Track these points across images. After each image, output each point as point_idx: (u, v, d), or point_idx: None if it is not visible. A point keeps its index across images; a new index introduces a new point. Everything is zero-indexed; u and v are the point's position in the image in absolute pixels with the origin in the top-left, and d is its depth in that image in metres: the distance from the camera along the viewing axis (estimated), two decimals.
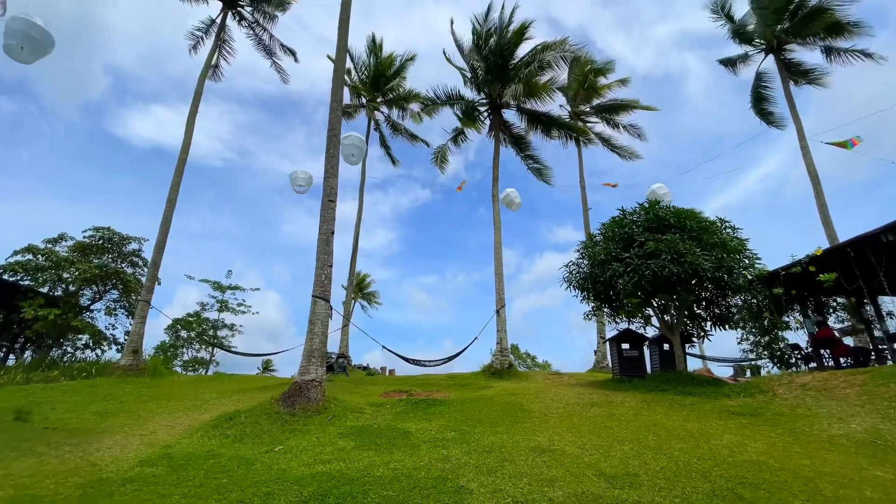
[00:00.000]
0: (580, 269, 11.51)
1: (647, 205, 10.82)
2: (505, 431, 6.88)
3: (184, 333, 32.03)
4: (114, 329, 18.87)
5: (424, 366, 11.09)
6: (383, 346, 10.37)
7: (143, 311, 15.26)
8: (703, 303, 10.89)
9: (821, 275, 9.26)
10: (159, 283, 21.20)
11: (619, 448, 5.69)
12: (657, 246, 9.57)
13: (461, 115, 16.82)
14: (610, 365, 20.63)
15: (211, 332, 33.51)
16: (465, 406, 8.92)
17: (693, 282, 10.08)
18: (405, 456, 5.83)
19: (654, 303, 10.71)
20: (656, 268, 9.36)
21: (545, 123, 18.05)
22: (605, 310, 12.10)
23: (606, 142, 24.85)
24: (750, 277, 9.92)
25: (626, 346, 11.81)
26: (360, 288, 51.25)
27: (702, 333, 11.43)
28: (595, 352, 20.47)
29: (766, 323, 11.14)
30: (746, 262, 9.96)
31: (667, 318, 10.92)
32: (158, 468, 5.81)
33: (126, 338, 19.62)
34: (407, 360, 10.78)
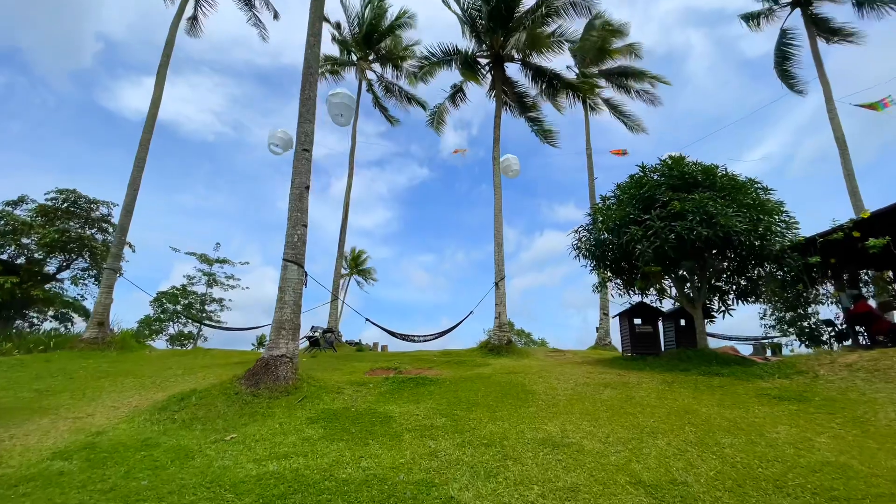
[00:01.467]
0: (591, 235, 10.21)
1: (670, 161, 9.45)
2: (506, 418, 5.73)
3: (170, 307, 30.89)
4: (84, 300, 17.61)
5: (414, 341, 9.97)
6: (367, 319, 9.23)
7: (109, 279, 13.95)
8: (727, 273, 9.68)
9: (870, 239, 8.01)
10: (132, 250, 19.89)
11: (651, 443, 4.54)
12: (683, 206, 8.27)
13: (460, 67, 15.17)
14: (613, 342, 19.77)
15: (198, 307, 32.37)
16: (459, 386, 7.78)
17: (719, 248, 8.84)
18: (383, 449, 4.67)
19: (673, 272, 9.47)
20: (682, 230, 8.08)
21: (551, 81, 16.43)
22: (615, 282, 10.88)
23: (615, 109, 23.19)
24: (786, 243, 8.67)
25: (638, 321, 10.67)
26: (355, 264, 50.14)
27: (723, 308, 10.26)
28: (597, 328, 19.46)
29: (799, 296, 9.96)
30: (783, 225, 8.69)
31: (686, 289, 9.72)
32: (72, 462, 4.63)
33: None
34: (395, 334, 9.64)
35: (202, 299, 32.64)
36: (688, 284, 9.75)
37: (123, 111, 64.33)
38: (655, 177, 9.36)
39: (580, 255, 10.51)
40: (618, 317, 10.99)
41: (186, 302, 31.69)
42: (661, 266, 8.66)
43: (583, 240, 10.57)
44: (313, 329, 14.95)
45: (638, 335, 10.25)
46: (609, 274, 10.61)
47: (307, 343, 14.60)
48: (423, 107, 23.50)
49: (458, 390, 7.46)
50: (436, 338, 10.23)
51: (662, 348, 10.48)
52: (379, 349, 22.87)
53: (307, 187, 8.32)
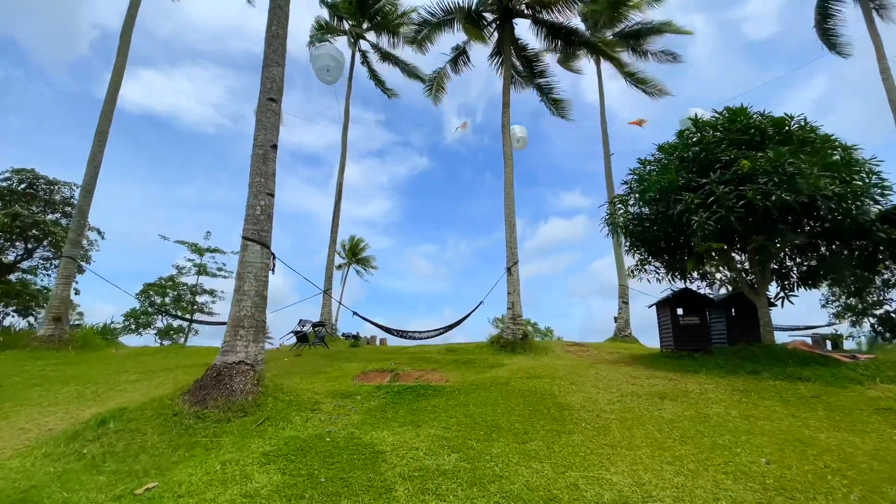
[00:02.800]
0: (628, 208, 8.40)
1: (727, 113, 7.59)
2: (544, 455, 4.02)
3: (157, 299, 29.29)
4: (48, 293, 15.94)
5: (415, 338, 8.29)
6: (355, 313, 7.51)
7: (67, 269, 12.25)
8: (799, 250, 7.90)
9: None
10: (101, 236, 18.17)
11: None
12: (755, 165, 6.46)
13: (463, 22, 13.18)
14: (633, 333, 18.04)
15: (189, 298, 30.77)
16: (470, 398, 6.08)
17: (795, 219, 7.05)
18: None
19: (736, 250, 7.69)
20: (754, 196, 6.29)
21: (568, 38, 14.43)
22: (654, 264, 9.11)
23: (631, 76, 21.13)
24: (881, 210, 6.88)
25: (680, 310, 8.92)
26: (353, 253, 48.43)
27: (783, 294, 8.51)
28: (615, 318, 17.73)
29: (870, 279, 8.18)
30: (878, 190, 6.88)
31: (745, 271, 7.94)
32: None
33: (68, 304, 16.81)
34: (391, 331, 7.91)
35: (193, 290, 31.05)
36: (746, 265, 7.97)
37: (122, 103, 62.30)
38: (712, 133, 7.51)
39: (613, 231, 8.72)
40: (655, 306, 9.25)
41: (175, 294, 30.07)
42: (724, 241, 6.86)
43: (615, 214, 8.76)
44: (301, 323, 13.26)
45: (682, 328, 8.53)
46: (646, 255, 8.82)
47: (294, 339, 12.93)
48: (422, 79, 21.49)
49: (470, 404, 5.76)
50: (439, 334, 8.56)
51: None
52: (377, 342, 21.26)
53: (274, 146, 6.53)
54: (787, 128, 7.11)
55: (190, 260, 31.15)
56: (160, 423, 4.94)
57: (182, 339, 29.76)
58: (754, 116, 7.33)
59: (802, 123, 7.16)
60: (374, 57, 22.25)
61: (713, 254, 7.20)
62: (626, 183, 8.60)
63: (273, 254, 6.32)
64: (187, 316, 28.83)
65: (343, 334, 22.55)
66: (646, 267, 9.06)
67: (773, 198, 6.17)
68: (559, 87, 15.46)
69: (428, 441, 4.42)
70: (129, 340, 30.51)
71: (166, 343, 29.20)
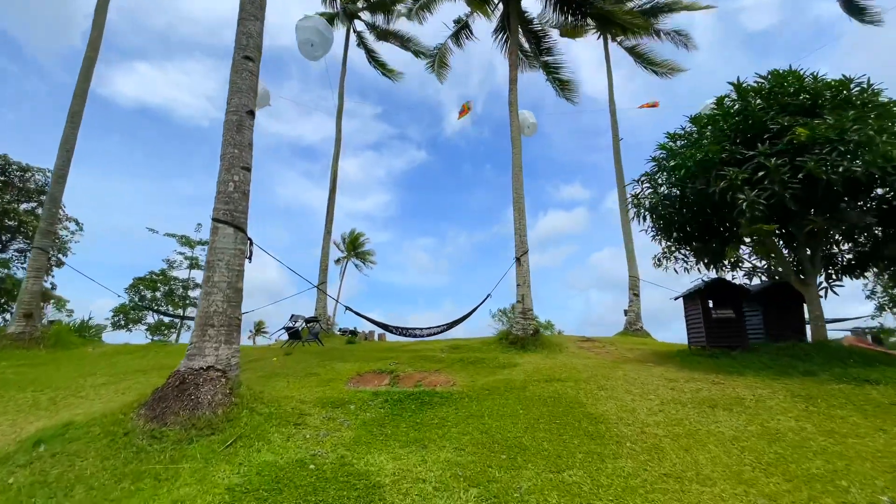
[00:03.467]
0: (658, 189, 7.44)
1: (771, 77, 6.62)
2: (590, 490, 3.11)
3: (148, 294, 28.38)
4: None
5: (415, 336, 7.38)
6: (347, 308, 6.58)
7: (37, 261, 11.28)
8: (846, 234, 6.98)
9: None
10: (79, 227, 17.16)
11: None
12: (813, 133, 5.51)
13: None
14: (641, 327, 17.15)
15: (181, 293, 29.85)
16: (484, 407, 5.18)
17: (853, 195, 6.12)
18: None
19: (789, 232, 6.76)
20: (816, 168, 5.35)
21: (579, 8, 13.37)
22: (681, 251, 8.18)
23: (641, 57, 20.10)
24: None
25: (710, 302, 8.01)
26: (353, 246, 47.50)
27: (826, 283, 7.61)
28: (625, 312, 16.86)
29: None
30: None
31: (790, 258, 7.02)
32: None
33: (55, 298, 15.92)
34: (388, 328, 6.99)
35: (185, 284, 30.12)
36: (785, 249, 7.04)
37: (117, 98, 61.06)
38: (756, 100, 6.54)
39: (639, 215, 7.78)
40: (682, 299, 8.34)
41: (167, 288, 29.14)
42: (769, 222, 5.91)
43: (641, 197, 7.81)
44: (293, 318, 12.34)
45: (716, 322, 7.63)
46: (675, 241, 7.88)
47: (286, 336, 12.02)
48: (423, 54, 20.36)
49: (485, 415, 4.85)
50: (444, 330, 7.64)
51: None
52: (375, 338, 20.37)
53: (251, 112, 5.55)
54: (845, 91, 6.15)
55: (181, 253, 30.21)
56: (106, 444, 4.02)
57: (174, 335, 28.89)
58: (807, 79, 6.37)
59: (864, 86, 6.21)
60: (370, 37, 21.14)
61: (759, 238, 6.27)
62: (653, 160, 7.64)
63: (250, 239, 5.37)
64: (178, 312, 27.91)
65: (340, 330, 21.68)
66: (674, 255, 8.13)
67: (841, 169, 5.23)
68: (567, 67, 14.38)
69: (438, 469, 3.51)
70: (119, 337, 29.56)
71: (157, 339, 28.33)
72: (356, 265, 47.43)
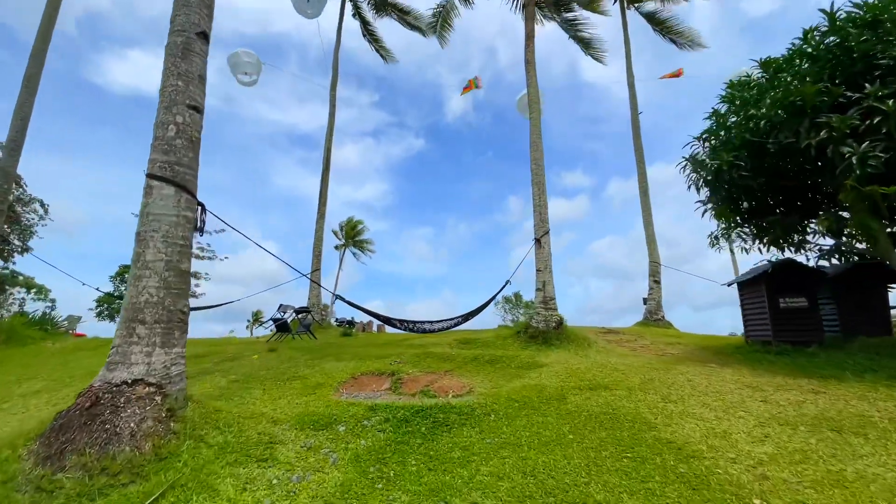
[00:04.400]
0: (722, 148, 6.00)
1: (872, 3, 5.18)
2: None
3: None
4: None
5: (422, 331, 6.05)
6: (338, 297, 5.23)
7: None
8: None
9: None
10: (44, 210, 15.70)
11: None
12: None
13: None
14: (663, 316, 15.84)
15: None
16: (518, 429, 3.86)
17: None
18: None
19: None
20: None
21: None
22: (744, 229, 6.81)
23: (661, 24, 18.50)
24: None
25: (776, 288, 6.67)
26: (351, 234, 46.13)
27: None
28: (645, 300, 15.57)
29: None
30: None
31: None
32: None
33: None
34: (390, 321, 5.67)
35: None
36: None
37: (112, 86, 59.00)
38: (854, 31, 5.11)
39: (699, 184, 6.40)
40: (739, 285, 7.01)
41: None
42: (888, 183, 4.54)
43: (696, 163, 6.39)
44: (281, 308, 11.01)
45: (784, 312, 6.31)
46: (738, 214, 6.50)
47: (273, 328, 10.70)
48: (420, 30, 18.79)
49: (524, 443, 3.53)
50: (457, 324, 6.31)
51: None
52: (374, 329, 19.07)
53: (203, 35, 4.11)
54: None
55: None
56: None
57: None
58: None
59: None
60: (367, 7, 19.43)
61: (864, 206, 4.90)
62: (712, 116, 6.20)
63: (201, 204, 3.97)
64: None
65: (336, 320, 20.38)
66: (735, 232, 6.75)
67: None
68: (587, 22, 12.84)
69: None
70: (105, 328, 28.22)
71: None
72: (354, 254, 46.14)
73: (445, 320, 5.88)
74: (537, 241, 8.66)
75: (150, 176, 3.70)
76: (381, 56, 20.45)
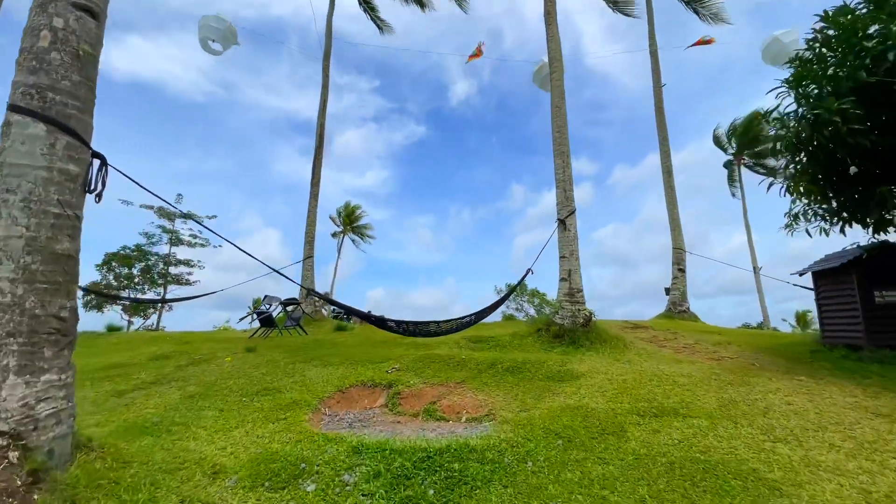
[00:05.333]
0: (817, 94, 4.61)
1: None
2: None
3: (122, 270, 25.80)
4: None
5: (427, 334, 4.80)
6: (311, 292, 3.98)
7: None
8: None
9: None
10: None
11: None
12: None
13: None
14: (688, 308, 14.47)
15: (160, 269, 27.28)
16: (574, 490, 2.58)
17: None
18: None
19: None
20: None
21: None
22: (820, 207, 5.47)
23: None
24: None
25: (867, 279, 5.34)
26: (349, 220, 44.82)
27: None
28: (667, 290, 14.29)
29: None
30: None
31: None
32: None
33: None
34: (385, 324, 4.38)
35: (166, 260, 27.52)
36: None
37: (109, 72, 57.26)
38: None
39: (787, 148, 5.03)
40: (815, 275, 5.72)
41: (143, 265, 26.53)
42: None
43: (785, 123, 5.01)
44: (267, 300, 9.76)
45: (882, 309, 5.03)
46: (828, 183, 5.14)
47: (258, 323, 9.48)
48: (421, 4, 17.26)
49: None
50: (470, 323, 5.00)
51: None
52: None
53: None
54: None
55: (160, 226, 27.49)
56: None
57: (153, 316, 26.51)
58: None
59: None
60: None
61: None
62: (797, 60, 4.79)
63: (97, 155, 2.65)
64: (152, 295, 25.39)
65: (334, 312, 19.18)
66: (817, 210, 5.40)
67: None
68: None
69: None
70: (90, 319, 27.19)
71: (136, 322, 26.00)
72: (353, 241, 44.86)
73: (455, 320, 4.60)
74: (561, 222, 7.33)
75: (10, 108, 2.38)
76: (378, 26, 18.86)
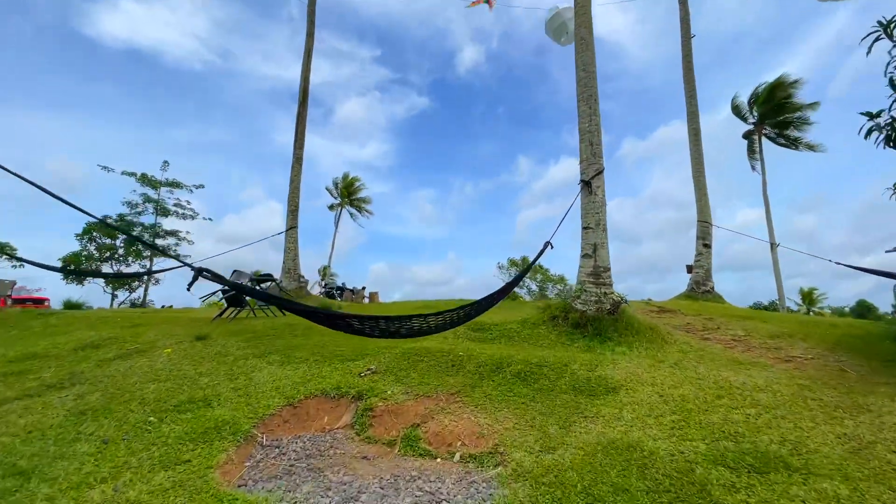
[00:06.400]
0: None
1: None
2: None
3: (106, 241, 24.54)
4: None
5: (402, 332, 3.52)
6: (203, 272, 2.83)
7: None
8: None
9: None
10: None
11: None
12: None
13: None
14: (713, 288, 13.00)
15: (148, 239, 26.03)
16: None
17: None
18: None
19: None
20: None
21: None
22: None
23: None
24: None
25: None
26: (347, 192, 43.14)
27: None
28: (690, 268, 12.91)
29: None
30: None
31: None
32: None
33: None
34: (340, 322, 3.13)
35: (154, 230, 26.22)
36: None
37: (104, 39, 54.18)
38: None
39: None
40: None
41: (126, 236, 25.25)
42: None
43: None
44: (235, 275, 8.45)
45: None
46: None
47: (224, 302, 8.19)
48: None
49: None
50: (468, 316, 3.65)
51: None
52: (365, 298, 16.62)
53: None
54: None
55: (143, 195, 26.10)
56: None
57: (140, 290, 25.43)
58: None
59: None
60: None
61: None
62: None
63: None
64: (141, 267, 24.16)
65: (325, 288, 17.95)
66: None
67: None
68: None
69: None
70: (71, 291, 26.08)
71: (121, 297, 24.94)
72: (351, 214, 43.34)
73: (448, 313, 3.17)
74: (586, 183, 5.86)
75: None
76: None
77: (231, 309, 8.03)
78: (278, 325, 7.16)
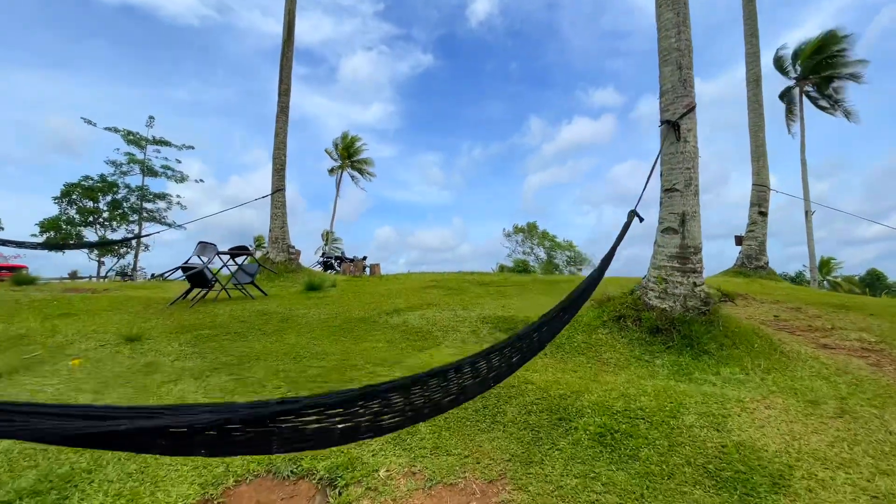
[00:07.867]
0: None
1: None
2: None
3: (87, 204, 22.89)
4: None
5: (420, 412, 2.20)
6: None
7: None
8: None
9: None
10: None
11: None
12: None
13: None
14: (766, 263, 11.13)
15: (132, 203, 24.31)
16: None
17: None
18: None
19: None
20: None
21: None
22: None
23: None
24: None
25: None
26: (347, 153, 40.87)
27: None
28: (739, 238, 11.14)
29: None
30: None
31: None
32: None
33: None
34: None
35: (143, 193, 24.47)
36: None
37: None
38: None
39: None
40: None
41: (111, 198, 23.58)
42: None
43: None
44: (199, 248, 6.84)
45: None
46: None
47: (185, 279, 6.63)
48: None
49: None
50: (515, 365, 2.22)
51: None
52: (366, 269, 15.07)
53: None
54: None
55: (128, 153, 24.16)
56: None
57: (129, 257, 24.05)
58: None
59: None
60: None
61: None
62: None
63: None
64: (127, 233, 22.54)
65: (323, 258, 16.41)
66: None
67: None
68: None
69: None
70: (55, 258, 24.75)
71: (109, 264, 23.57)
72: (352, 177, 41.26)
73: (482, 358, 1.48)
74: (671, 125, 4.05)
75: None
76: None
77: (200, 291, 6.48)
78: (250, 312, 5.61)
